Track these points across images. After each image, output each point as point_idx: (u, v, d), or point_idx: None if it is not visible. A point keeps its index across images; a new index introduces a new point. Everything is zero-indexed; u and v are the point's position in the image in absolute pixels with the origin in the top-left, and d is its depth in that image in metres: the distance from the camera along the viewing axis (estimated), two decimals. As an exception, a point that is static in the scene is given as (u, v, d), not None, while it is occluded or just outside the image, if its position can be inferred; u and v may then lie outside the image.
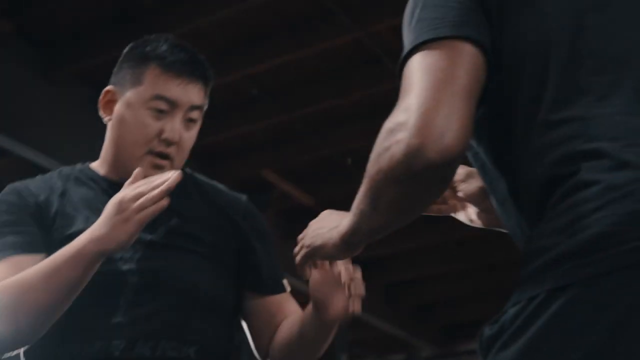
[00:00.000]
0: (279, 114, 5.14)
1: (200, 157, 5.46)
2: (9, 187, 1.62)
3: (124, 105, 1.60)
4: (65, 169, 1.69)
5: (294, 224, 6.16)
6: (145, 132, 1.58)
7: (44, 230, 1.56)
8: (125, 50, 1.68)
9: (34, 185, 1.62)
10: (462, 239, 6.50)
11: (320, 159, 5.53)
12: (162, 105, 1.58)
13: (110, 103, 1.63)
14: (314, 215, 1.27)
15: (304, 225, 1.29)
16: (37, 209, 1.57)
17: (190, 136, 1.63)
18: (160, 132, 1.58)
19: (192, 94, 1.61)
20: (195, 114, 1.63)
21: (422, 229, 5.99)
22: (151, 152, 1.59)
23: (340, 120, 5.18)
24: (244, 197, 1.75)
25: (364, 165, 1.07)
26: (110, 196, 1.47)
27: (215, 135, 5.10)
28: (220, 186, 1.76)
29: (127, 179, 1.48)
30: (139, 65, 1.61)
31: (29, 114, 4.56)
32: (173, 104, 1.59)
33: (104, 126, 1.63)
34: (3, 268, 1.49)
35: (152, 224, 1.50)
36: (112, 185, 1.61)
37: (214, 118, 3.71)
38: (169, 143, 1.59)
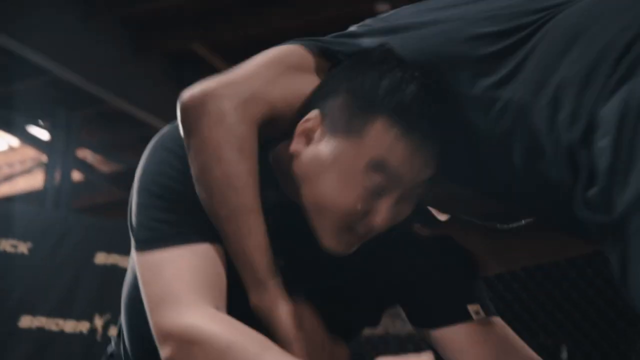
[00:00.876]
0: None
1: (131, 27, 5.18)
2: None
3: (330, 154, 1.14)
4: None
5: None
6: (351, 208, 1.14)
7: None
8: (345, 61, 1.19)
9: None
10: None
11: (252, 36, 5.35)
12: (381, 179, 1.12)
13: (309, 131, 1.17)
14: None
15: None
16: None
17: (404, 211, 1.19)
18: (369, 213, 1.15)
19: (427, 168, 1.16)
20: (420, 189, 1.17)
21: None
22: (350, 230, 1.16)
23: (274, -1, 5.51)
24: None
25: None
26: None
27: (147, 4, 4.98)
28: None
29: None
30: (365, 107, 1.13)
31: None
32: (396, 181, 1.14)
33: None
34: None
35: None
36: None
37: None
38: (373, 229, 1.17)
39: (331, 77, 1.20)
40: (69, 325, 3.63)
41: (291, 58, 1.20)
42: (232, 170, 1.13)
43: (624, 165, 0.94)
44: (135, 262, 1.21)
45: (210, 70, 4.46)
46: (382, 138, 1.13)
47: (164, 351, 1.09)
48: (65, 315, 3.62)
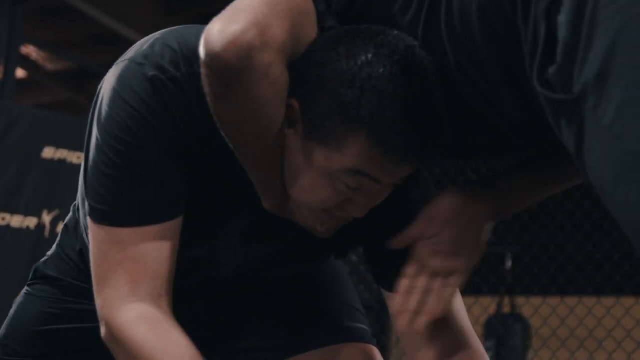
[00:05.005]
0: None
1: None
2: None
3: (306, 159, 1.12)
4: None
5: None
6: (325, 201, 1.14)
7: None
8: (322, 61, 1.09)
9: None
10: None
11: None
12: (360, 183, 1.11)
13: (290, 120, 1.12)
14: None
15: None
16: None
17: (383, 196, 1.16)
18: (346, 202, 1.15)
19: (407, 170, 1.12)
20: (401, 179, 1.14)
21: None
22: (326, 211, 1.17)
23: None
24: None
25: None
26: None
27: None
28: None
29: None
30: (342, 122, 1.07)
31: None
32: (375, 182, 1.12)
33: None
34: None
35: None
36: None
37: None
38: (350, 217, 1.18)
39: (317, 56, 1.11)
40: (16, 220, 3.53)
41: (299, 1, 1.13)
42: (273, 120, 1.12)
43: (584, 42, 0.89)
44: (88, 224, 1.22)
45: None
46: (362, 154, 1.09)
47: (101, 328, 1.19)
48: (12, 210, 3.51)
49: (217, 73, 1.06)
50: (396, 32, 1.11)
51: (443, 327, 1.28)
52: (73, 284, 1.40)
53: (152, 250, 1.17)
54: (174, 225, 1.19)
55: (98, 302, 1.19)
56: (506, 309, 5.12)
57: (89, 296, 1.34)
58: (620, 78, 0.86)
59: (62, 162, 3.64)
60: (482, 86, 1.09)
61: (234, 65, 1.04)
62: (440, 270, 1.21)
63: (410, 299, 1.21)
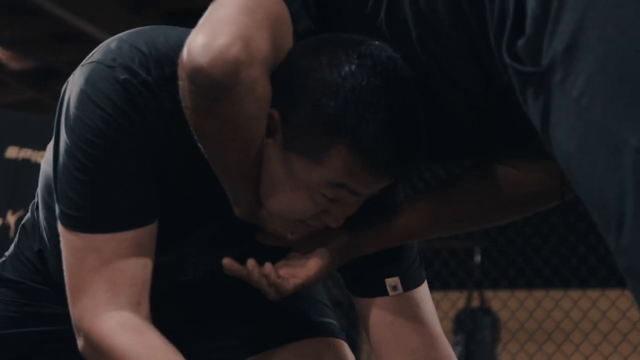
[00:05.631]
0: None
1: None
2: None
3: (285, 170, 1.11)
4: None
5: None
6: (302, 212, 1.14)
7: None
8: (304, 70, 1.08)
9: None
10: None
11: None
12: (338, 195, 1.11)
13: (270, 129, 1.10)
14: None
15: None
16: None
17: (358, 205, 1.15)
18: (322, 212, 1.14)
19: (386, 183, 1.13)
20: (378, 191, 1.14)
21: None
22: (301, 221, 1.17)
23: None
24: None
25: None
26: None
27: None
28: None
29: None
30: (324, 133, 1.06)
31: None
32: (354, 194, 1.12)
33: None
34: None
35: None
36: None
37: None
38: (326, 226, 1.17)
39: (298, 64, 1.09)
40: (-20, 221, 3.49)
41: (275, 7, 1.10)
42: (255, 134, 1.09)
43: (553, 15, 0.89)
44: (59, 231, 1.17)
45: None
46: (343, 167, 1.08)
47: (78, 340, 1.15)
48: (-25, 210, 3.46)
49: (202, 88, 1.03)
50: (378, 42, 1.09)
51: (411, 330, 1.28)
52: (31, 286, 1.37)
53: (130, 256, 1.14)
54: (150, 230, 1.16)
55: (74, 312, 1.15)
56: (475, 303, 5.16)
57: (48, 299, 1.30)
58: (589, 51, 0.85)
59: (26, 161, 3.60)
60: (444, 61, 1.08)
61: (220, 80, 1.01)
62: (285, 275, 1.24)
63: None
